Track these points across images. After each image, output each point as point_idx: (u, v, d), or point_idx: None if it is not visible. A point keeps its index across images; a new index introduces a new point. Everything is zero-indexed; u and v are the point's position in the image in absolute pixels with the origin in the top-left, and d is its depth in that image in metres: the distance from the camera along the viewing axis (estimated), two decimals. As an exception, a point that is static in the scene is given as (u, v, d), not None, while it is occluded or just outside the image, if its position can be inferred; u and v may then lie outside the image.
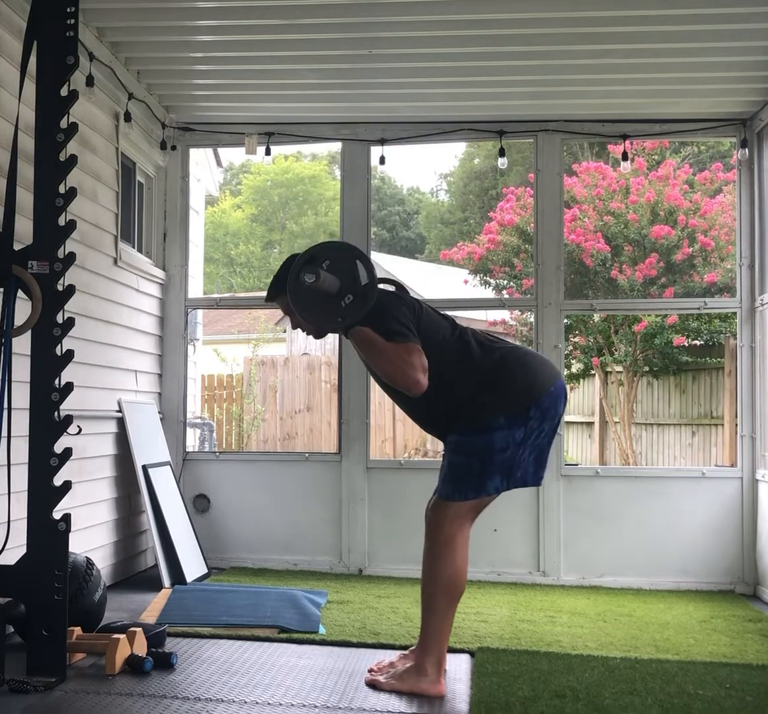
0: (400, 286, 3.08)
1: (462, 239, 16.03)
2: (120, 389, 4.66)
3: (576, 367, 10.05)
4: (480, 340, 2.95)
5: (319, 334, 3.10)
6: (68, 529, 2.89)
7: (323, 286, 2.78)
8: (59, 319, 2.96)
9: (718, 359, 9.09)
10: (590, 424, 10.71)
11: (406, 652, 3.15)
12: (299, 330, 3.09)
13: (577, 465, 8.20)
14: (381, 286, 2.93)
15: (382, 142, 5.15)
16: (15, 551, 2.99)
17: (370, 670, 3.03)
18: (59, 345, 2.95)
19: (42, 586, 2.86)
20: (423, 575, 2.89)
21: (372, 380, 5.12)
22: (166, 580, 4.40)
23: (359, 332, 2.83)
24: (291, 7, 3.88)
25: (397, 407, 3.12)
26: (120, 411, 4.61)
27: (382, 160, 5.16)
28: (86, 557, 3.53)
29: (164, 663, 3.05)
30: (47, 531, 2.88)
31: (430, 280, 15.40)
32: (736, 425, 5.43)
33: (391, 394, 3.02)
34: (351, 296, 2.81)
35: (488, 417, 2.83)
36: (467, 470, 2.85)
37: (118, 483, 4.61)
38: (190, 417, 5.61)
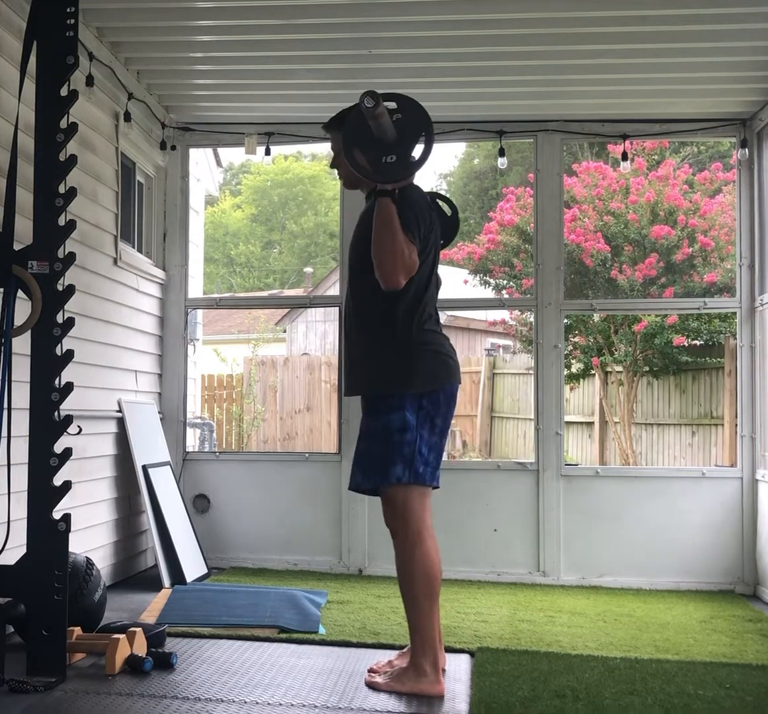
0: (453, 208, 3.06)
1: (462, 239, 16.03)
2: (120, 389, 4.66)
3: (576, 367, 10.05)
4: (430, 312, 2.93)
5: (349, 184, 3.07)
6: (68, 529, 2.89)
7: (378, 121, 2.64)
8: (59, 319, 2.96)
9: (718, 359, 9.09)
10: (590, 424, 10.70)
11: (404, 650, 3.14)
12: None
13: (577, 465, 8.19)
14: (437, 200, 2.92)
15: (382, 142, 5.14)
16: (15, 551, 2.99)
17: (370, 670, 3.02)
18: (59, 345, 2.95)
19: (42, 586, 2.86)
20: (400, 577, 2.88)
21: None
22: (166, 580, 4.40)
23: (388, 204, 2.75)
24: (291, 7, 3.88)
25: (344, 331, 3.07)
26: (120, 411, 4.61)
27: (382, 160, 5.14)
28: (86, 557, 3.53)
29: (164, 663, 3.05)
30: (47, 531, 2.88)
31: (430, 280, 15.34)
32: (736, 425, 5.43)
33: (351, 298, 2.97)
34: (394, 157, 2.72)
35: (387, 386, 2.84)
36: (370, 454, 2.87)
37: (118, 483, 4.61)
38: (190, 417, 5.61)
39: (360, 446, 2.94)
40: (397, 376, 2.86)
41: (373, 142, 2.71)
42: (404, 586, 2.87)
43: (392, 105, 2.70)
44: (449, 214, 3.18)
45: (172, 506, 4.72)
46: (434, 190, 31.93)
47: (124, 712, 2.62)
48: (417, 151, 2.74)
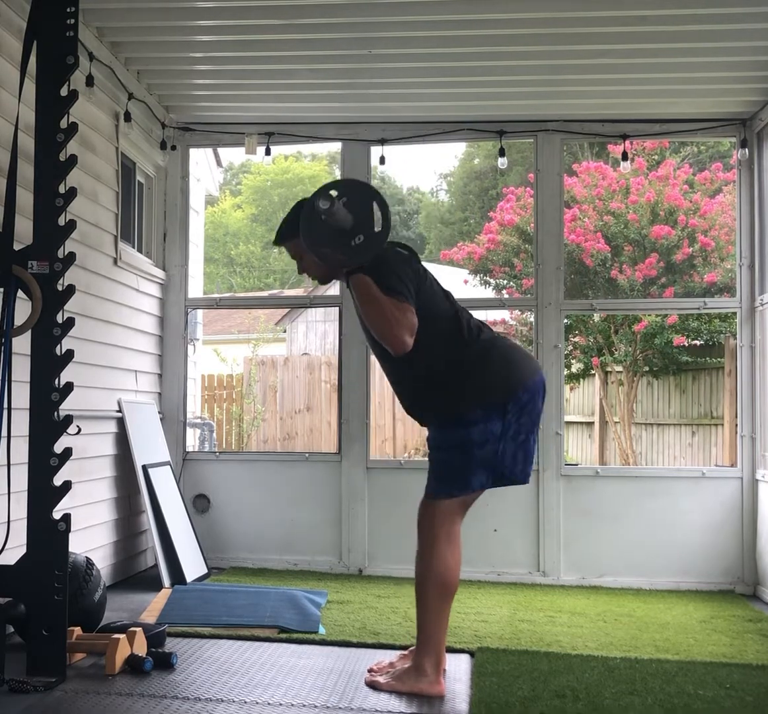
0: (412, 252, 3.06)
1: (462, 239, 16.03)
2: (120, 389, 4.66)
3: (576, 367, 10.05)
4: (472, 326, 2.95)
5: (324, 279, 3.07)
6: (68, 529, 2.89)
7: (336, 217, 2.72)
8: (59, 319, 2.96)
9: (718, 359, 9.09)
10: (590, 424, 10.71)
11: (405, 652, 3.15)
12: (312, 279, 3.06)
13: (577, 465, 8.20)
14: (397, 249, 2.92)
15: (382, 142, 5.15)
16: (15, 551, 2.99)
17: (370, 671, 3.03)
18: (59, 345, 2.95)
19: (42, 586, 2.86)
20: (417, 575, 2.89)
21: (372, 380, 5.13)
22: (166, 580, 4.40)
23: (361, 279, 2.79)
24: (290, 7, 3.88)
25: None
26: (120, 411, 4.61)
27: (382, 160, 5.16)
28: (86, 557, 3.53)
29: (164, 663, 3.05)
30: (47, 531, 2.88)
31: (430, 280, 15.33)
32: (736, 425, 5.43)
33: (382, 362, 3.01)
34: (362, 237, 2.77)
35: (465, 408, 2.83)
36: (448, 466, 2.85)
37: (118, 483, 4.61)
38: (190, 417, 5.61)
39: (438, 457, 2.89)
40: (472, 398, 2.83)
41: (336, 233, 2.78)
42: (419, 584, 2.88)
43: (334, 193, 2.77)
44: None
45: (172, 506, 4.72)
46: (434, 190, 31.40)
47: (124, 712, 2.62)
48: (377, 218, 2.80)
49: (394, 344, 2.76)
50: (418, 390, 2.96)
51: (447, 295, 3.00)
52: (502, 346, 2.95)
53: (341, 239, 2.78)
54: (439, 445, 2.90)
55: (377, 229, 2.80)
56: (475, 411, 2.82)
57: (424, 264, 3.05)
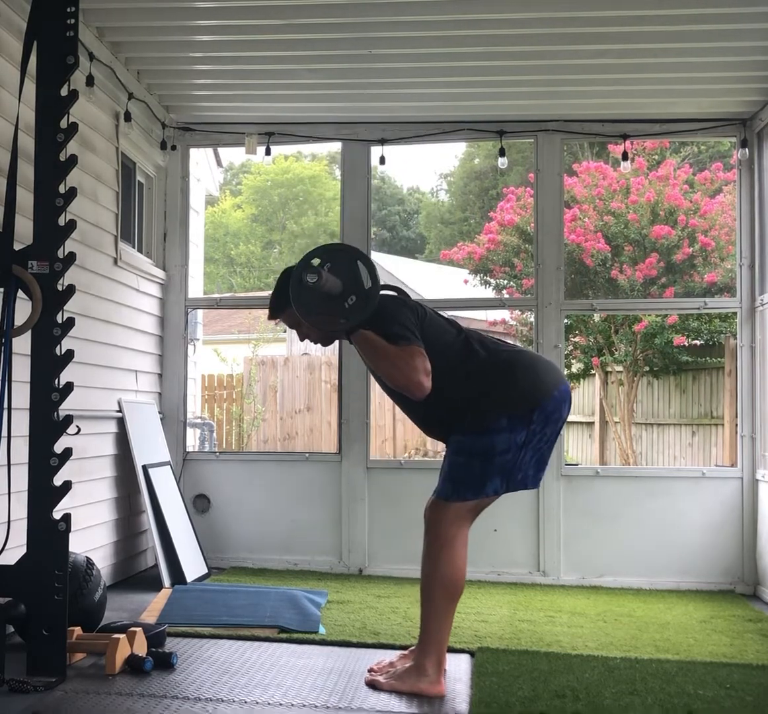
0: (401, 292, 3.08)
1: (462, 239, 16.03)
2: (120, 389, 4.66)
3: (576, 367, 10.05)
4: (485, 343, 2.95)
5: (326, 341, 3.08)
6: (68, 529, 2.89)
7: (326, 287, 2.77)
8: (59, 319, 2.96)
9: (718, 359, 9.09)
10: (590, 424, 10.71)
11: (405, 651, 3.15)
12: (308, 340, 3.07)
13: (577, 465, 8.20)
14: (383, 291, 2.92)
15: (382, 142, 5.15)
16: (15, 551, 2.99)
17: (370, 670, 3.02)
18: (59, 345, 2.95)
19: (42, 586, 2.86)
20: (422, 575, 2.89)
21: (372, 380, 5.13)
22: (166, 580, 4.40)
23: (362, 335, 2.82)
24: (290, 7, 3.88)
25: (397, 407, 3.12)
26: (120, 411, 4.61)
27: (382, 160, 5.16)
28: (86, 557, 3.53)
29: (164, 663, 3.05)
30: (47, 531, 2.88)
31: (430, 280, 15.40)
32: (736, 425, 5.43)
33: (393, 396, 3.02)
34: (354, 297, 2.81)
35: (491, 418, 2.82)
36: (467, 471, 2.85)
37: (118, 483, 4.61)
38: (190, 417, 5.61)
39: (456, 461, 2.88)
40: (496, 408, 2.83)
41: (327, 300, 2.81)
42: (425, 584, 2.88)
43: (317, 261, 2.81)
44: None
45: (172, 506, 4.72)
46: (434, 190, 31.35)
47: (124, 712, 2.62)
48: (364, 275, 2.82)
49: (413, 390, 2.76)
50: (443, 419, 2.95)
51: (449, 321, 3.01)
52: (524, 358, 2.95)
53: (334, 304, 2.82)
54: (461, 449, 2.88)
55: (367, 285, 2.82)
56: (501, 421, 2.81)
57: (419, 299, 3.05)
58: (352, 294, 2.81)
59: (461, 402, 2.88)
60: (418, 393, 2.76)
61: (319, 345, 3.13)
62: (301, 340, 3.11)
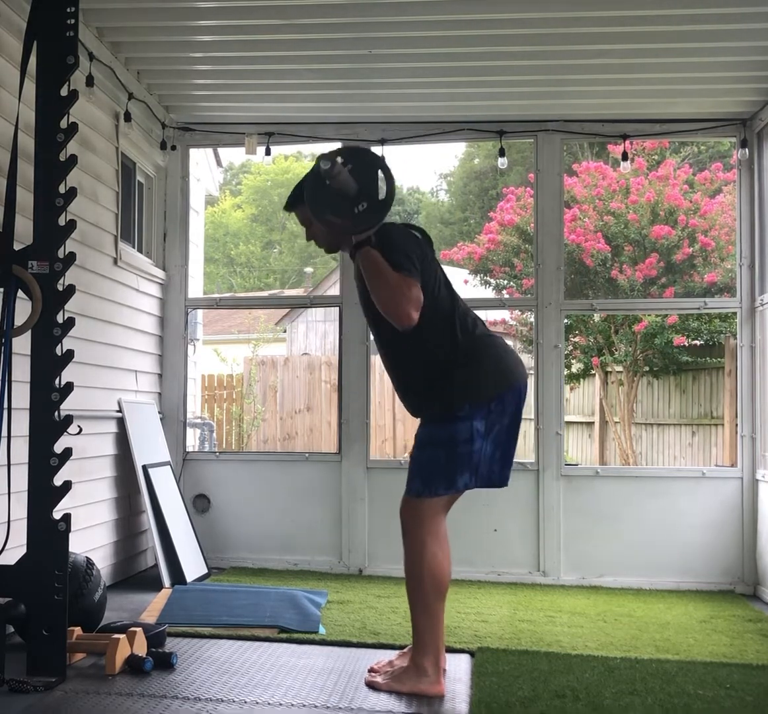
0: (425, 235, 3.06)
1: (462, 239, 16.04)
2: (120, 389, 4.66)
3: (576, 367, 10.05)
4: (469, 318, 2.96)
5: (331, 248, 3.09)
6: (68, 529, 2.89)
7: (338, 180, 2.72)
8: (59, 319, 2.96)
9: (718, 359, 9.09)
10: (590, 424, 10.71)
11: (405, 650, 3.14)
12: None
13: (577, 465, 8.20)
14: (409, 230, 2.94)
15: (382, 142, 5.15)
16: (15, 551, 2.99)
17: (370, 670, 3.02)
18: (59, 345, 2.95)
19: (42, 586, 2.86)
20: (408, 577, 2.89)
21: (372, 380, 5.13)
22: (166, 580, 4.40)
23: (368, 252, 2.80)
24: (291, 7, 3.88)
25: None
26: (120, 411, 4.61)
27: (382, 160, 5.15)
28: (86, 557, 3.53)
29: (164, 663, 3.05)
30: (47, 531, 2.88)
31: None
32: (736, 425, 5.43)
33: (379, 344, 3.02)
34: (365, 204, 2.77)
35: (456, 402, 2.83)
36: (434, 464, 2.86)
37: (118, 483, 4.61)
38: (190, 417, 5.61)
39: (422, 454, 2.91)
40: (461, 392, 2.85)
41: (340, 199, 2.78)
42: (411, 585, 2.88)
43: (340, 159, 2.76)
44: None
45: (172, 506, 4.72)
46: (434, 190, 31.39)
47: (124, 712, 2.62)
48: (381, 187, 2.80)
49: (399, 318, 2.76)
50: (413, 375, 2.96)
51: (448, 284, 3.00)
52: (496, 345, 2.96)
53: (345, 206, 2.77)
54: (427, 441, 2.91)
55: (381, 196, 2.79)
56: (463, 407, 2.83)
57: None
58: (364, 201, 2.77)
59: (431, 365, 2.88)
60: (405, 322, 2.76)
61: (323, 250, 3.11)
62: (308, 239, 3.11)
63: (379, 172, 2.80)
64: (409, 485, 2.91)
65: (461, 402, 2.84)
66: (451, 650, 3.28)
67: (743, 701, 2.86)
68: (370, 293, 2.85)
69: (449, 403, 2.85)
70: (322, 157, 2.71)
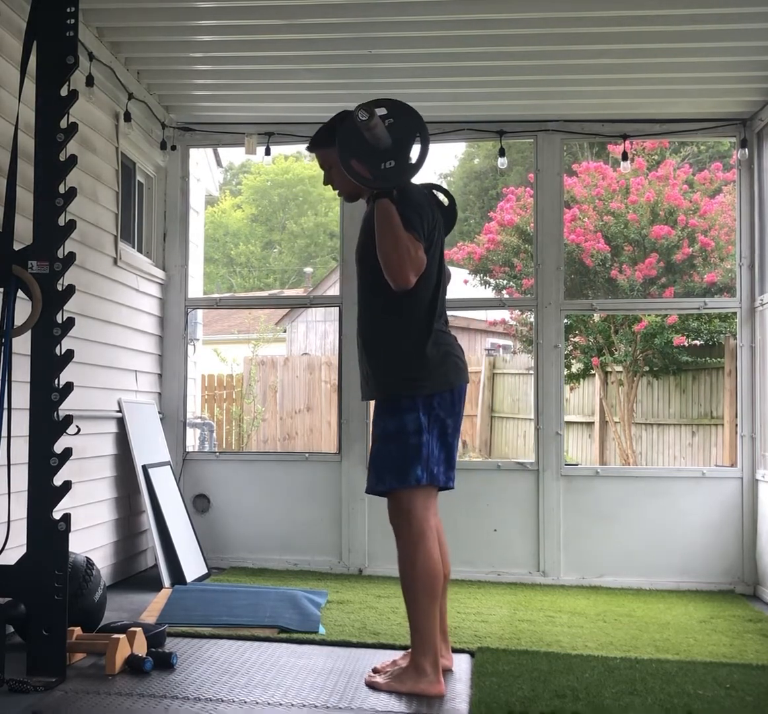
0: (450, 198, 3.02)
1: (462, 239, 16.03)
2: (120, 389, 4.66)
3: (576, 367, 10.05)
4: (441, 306, 2.95)
5: (349, 195, 3.06)
6: (68, 529, 2.89)
7: (374, 131, 2.67)
8: (59, 319, 2.96)
9: (718, 359, 9.09)
10: (590, 424, 10.70)
11: (409, 651, 3.14)
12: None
13: (577, 465, 8.19)
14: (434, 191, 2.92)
15: (382, 142, 5.14)
16: (15, 551, 2.99)
17: (373, 670, 3.02)
18: (59, 345, 2.95)
19: (42, 586, 2.86)
20: (402, 577, 2.89)
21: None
22: (166, 580, 4.40)
23: (386, 204, 2.77)
24: (291, 7, 3.88)
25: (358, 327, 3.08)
26: (120, 411, 4.61)
27: (382, 160, 5.14)
28: (86, 557, 3.53)
29: (164, 663, 3.05)
30: (47, 531, 2.88)
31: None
32: (736, 425, 5.43)
33: (359, 302, 3.01)
34: (393, 162, 2.73)
35: (404, 391, 2.84)
36: (385, 457, 2.87)
37: (118, 483, 4.61)
38: (190, 417, 5.61)
39: (374, 449, 2.93)
40: (410, 379, 2.86)
41: (370, 150, 2.72)
42: (405, 585, 2.88)
43: (383, 111, 2.71)
44: (447, 204, 3.18)
45: (172, 506, 4.72)
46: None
47: (124, 712, 2.62)
48: (414, 152, 2.75)
49: (398, 277, 2.76)
50: (375, 339, 2.94)
51: (441, 267, 2.98)
52: (450, 343, 2.96)
53: (373, 158, 2.74)
54: (380, 434, 2.91)
55: (412, 159, 2.74)
56: (406, 399, 2.84)
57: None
58: (393, 158, 2.73)
59: (393, 341, 2.88)
60: (401, 282, 2.76)
61: (339, 196, 3.10)
62: (325, 183, 3.09)
63: (418, 135, 2.74)
64: (369, 485, 2.94)
65: (407, 391, 2.85)
66: (451, 650, 3.28)
67: (743, 701, 2.86)
68: (376, 244, 2.81)
69: (396, 386, 2.86)
70: (361, 106, 2.63)
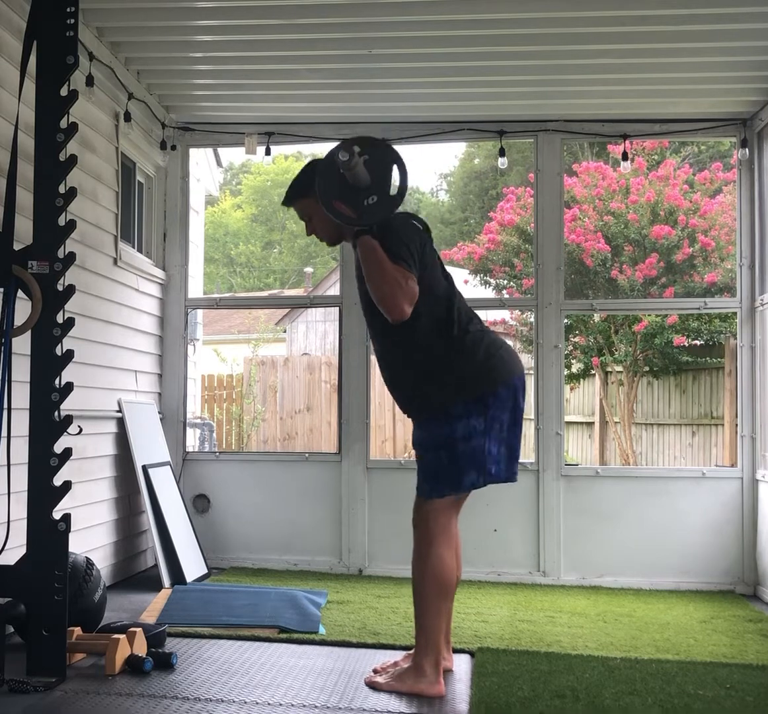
0: (426, 227, 3.04)
1: (462, 239, 16.04)
2: (120, 389, 4.66)
3: (576, 367, 10.05)
4: (464, 314, 2.93)
5: (332, 239, 3.05)
6: (68, 529, 2.89)
7: (353, 172, 2.68)
8: (59, 319, 2.96)
9: (718, 359, 9.09)
10: (590, 424, 10.71)
11: (411, 652, 3.14)
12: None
13: (577, 465, 8.20)
14: (411, 221, 2.90)
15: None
16: (15, 551, 2.99)
17: (374, 671, 3.02)
18: (59, 345, 2.95)
19: (42, 586, 2.86)
20: (414, 575, 2.89)
21: (372, 380, 5.12)
22: (166, 580, 4.40)
23: (368, 241, 2.78)
24: (291, 7, 3.88)
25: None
26: (120, 411, 4.61)
27: (382, 160, 5.14)
28: (86, 557, 3.53)
29: (164, 663, 3.05)
30: (47, 531, 2.88)
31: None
32: (736, 425, 5.43)
33: (373, 338, 3.00)
34: (375, 197, 2.74)
35: (448, 399, 2.82)
36: (438, 465, 2.85)
37: (118, 483, 4.61)
38: (190, 417, 5.61)
39: (426, 456, 2.88)
40: (454, 390, 2.83)
41: (351, 190, 2.74)
42: (416, 583, 2.88)
43: (356, 149, 2.72)
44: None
45: (172, 506, 4.72)
46: (434, 190, 31.33)
47: (124, 712, 2.62)
48: (394, 181, 2.77)
49: (392, 310, 2.74)
50: (404, 377, 2.94)
51: (447, 277, 2.98)
52: (490, 340, 2.94)
53: (355, 197, 2.74)
54: (424, 444, 2.89)
55: (393, 193, 2.76)
56: (457, 405, 2.81)
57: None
58: (375, 194, 2.74)
59: (423, 362, 2.86)
60: (396, 315, 2.74)
61: (324, 242, 3.07)
62: (308, 234, 3.07)
63: (394, 166, 2.76)
64: (418, 486, 2.91)
65: (454, 400, 2.82)
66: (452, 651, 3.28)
67: (743, 701, 2.86)
68: (366, 281, 2.82)
69: (442, 402, 2.84)
70: (340, 147, 2.66)
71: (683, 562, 4.84)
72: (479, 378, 2.84)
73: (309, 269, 25.12)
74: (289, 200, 3.07)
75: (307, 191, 2.91)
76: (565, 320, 6.35)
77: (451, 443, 2.82)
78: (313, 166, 2.95)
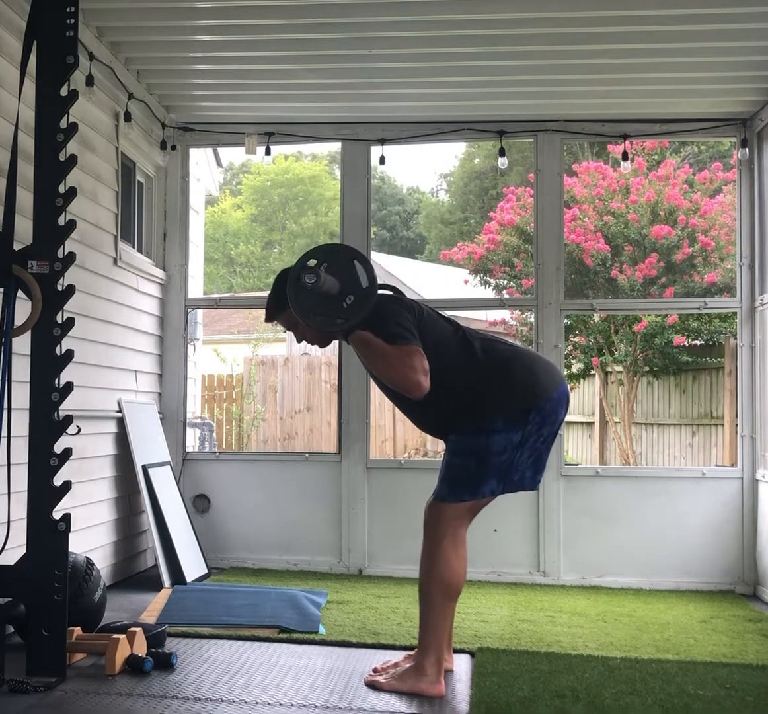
0: (396, 290, 3.07)
1: (462, 239, 16.02)
2: (120, 389, 4.66)
3: (576, 367, 10.05)
4: (484, 341, 2.94)
5: (323, 342, 3.07)
6: (68, 529, 2.89)
7: (324, 287, 2.76)
8: (59, 319, 2.96)
9: (718, 359, 9.09)
10: (590, 424, 10.71)
11: (411, 652, 3.14)
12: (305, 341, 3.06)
13: (577, 465, 8.20)
14: (379, 291, 2.91)
15: (382, 142, 5.15)
16: (15, 551, 2.99)
17: (374, 670, 3.02)
18: (59, 345, 2.95)
19: (42, 586, 2.86)
20: (420, 575, 2.89)
21: (372, 381, 5.13)
22: (166, 580, 4.40)
23: (359, 336, 2.81)
24: (290, 7, 3.88)
25: (397, 408, 3.12)
26: (120, 411, 4.61)
27: (382, 160, 5.16)
28: (86, 557, 3.53)
29: (164, 663, 3.05)
30: (47, 531, 2.88)
31: (430, 281, 15.40)
32: (736, 425, 5.43)
33: (391, 397, 3.01)
34: (352, 296, 2.80)
35: (489, 417, 2.82)
36: (464, 472, 2.85)
37: (118, 483, 4.61)
38: (190, 417, 5.61)
39: (454, 461, 2.88)
40: (494, 409, 2.82)
41: (326, 299, 2.80)
42: (422, 584, 2.88)
43: (313, 262, 2.80)
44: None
45: (172, 506, 4.72)
46: (434, 190, 31.33)
47: (124, 712, 2.62)
48: (361, 275, 2.81)
49: (411, 390, 2.75)
50: (442, 419, 2.94)
51: (447, 320, 3.00)
52: (524, 356, 2.95)
53: (332, 303, 2.80)
54: (458, 450, 2.88)
55: (364, 284, 2.81)
56: (497, 421, 2.81)
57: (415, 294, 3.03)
58: (350, 293, 2.80)
59: (459, 402, 2.87)
60: (417, 393, 2.75)
61: (316, 346, 3.12)
62: (298, 341, 3.10)
63: (356, 262, 2.82)
64: (436, 489, 2.91)
65: (495, 415, 2.81)
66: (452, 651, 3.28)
67: (743, 701, 2.86)
68: (377, 374, 2.86)
69: (483, 415, 2.83)
70: (301, 271, 2.75)
71: (683, 562, 4.84)
72: (520, 395, 2.83)
73: (309, 269, 25.02)
74: (270, 316, 3.10)
75: (284, 304, 2.92)
76: (565, 320, 6.35)
77: (484, 454, 2.82)
78: (281, 280, 2.97)
